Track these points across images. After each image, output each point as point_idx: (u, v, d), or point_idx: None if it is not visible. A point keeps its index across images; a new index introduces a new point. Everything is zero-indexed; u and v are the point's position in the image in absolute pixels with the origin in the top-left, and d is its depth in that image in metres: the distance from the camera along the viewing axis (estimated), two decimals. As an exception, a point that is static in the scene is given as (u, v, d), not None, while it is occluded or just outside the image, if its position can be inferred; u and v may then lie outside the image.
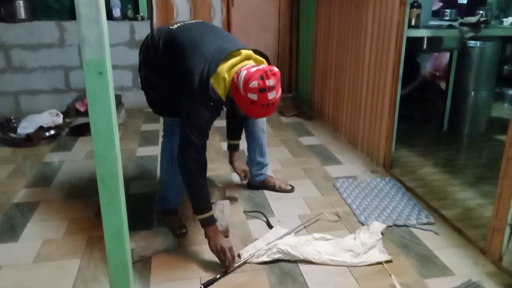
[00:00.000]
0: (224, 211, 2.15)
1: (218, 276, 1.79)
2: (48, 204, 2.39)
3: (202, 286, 1.73)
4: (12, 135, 3.19)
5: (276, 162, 2.94)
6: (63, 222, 2.21)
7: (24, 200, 2.43)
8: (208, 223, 1.87)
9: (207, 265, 1.87)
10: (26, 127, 3.22)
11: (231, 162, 2.39)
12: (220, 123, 3.79)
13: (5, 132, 3.21)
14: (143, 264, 1.88)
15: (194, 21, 2.06)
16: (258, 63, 1.87)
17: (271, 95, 1.70)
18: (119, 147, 1.45)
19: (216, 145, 3.28)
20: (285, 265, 1.87)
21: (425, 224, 2.18)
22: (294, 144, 3.32)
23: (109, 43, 4.51)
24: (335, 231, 2.11)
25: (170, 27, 1.98)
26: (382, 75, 2.79)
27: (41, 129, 3.25)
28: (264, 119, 2.40)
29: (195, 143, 1.81)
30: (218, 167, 2.88)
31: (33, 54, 3.97)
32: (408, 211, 2.28)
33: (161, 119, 2.21)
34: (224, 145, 3.27)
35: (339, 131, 3.51)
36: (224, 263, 1.82)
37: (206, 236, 1.89)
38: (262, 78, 1.67)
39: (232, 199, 2.42)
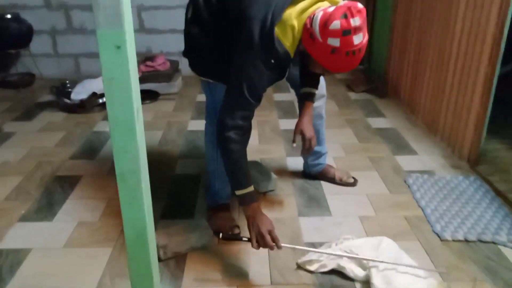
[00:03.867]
0: (263, 170, 2.05)
1: (244, 238, 1.56)
2: (90, 179, 2.26)
3: (221, 235, 1.58)
4: (66, 100, 3.11)
5: (338, 147, 2.59)
6: (101, 201, 2.06)
7: (67, 173, 2.32)
8: (248, 200, 1.56)
9: (250, 268, 1.63)
10: (79, 93, 3.12)
11: (299, 116, 1.85)
12: (279, 96, 3.50)
13: (60, 97, 3.15)
14: (176, 262, 1.67)
15: None
16: (334, 4, 1.49)
17: (357, 39, 1.35)
18: (143, 137, 1.21)
19: (273, 122, 2.98)
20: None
21: (519, 242, 1.76)
22: (361, 126, 2.93)
23: (167, 5, 4.21)
24: (402, 241, 1.74)
25: None
26: (477, 50, 2.29)
27: (94, 95, 3.14)
28: (323, 103, 2.04)
29: (243, 106, 1.51)
30: (272, 148, 2.59)
31: (93, 16, 3.84)
32: (497, 223, 1.86)
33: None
34: (282, 123, 2.97)
35: (416, 113, 3.05)
36: (262, 247, 1.53)
37: (245, 215, 1.58)
38: (345, 16, 1.32)
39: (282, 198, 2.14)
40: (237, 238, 1.63)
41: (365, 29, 1.37)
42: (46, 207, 2.02)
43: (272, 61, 1.44)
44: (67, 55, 3.95)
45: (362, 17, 1.35)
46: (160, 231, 1.77)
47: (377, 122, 2.98)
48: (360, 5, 1.36)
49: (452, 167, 2.37)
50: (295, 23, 1.42)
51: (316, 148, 2.09)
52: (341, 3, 1.39)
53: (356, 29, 1.33)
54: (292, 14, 1.42)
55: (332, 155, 2.46)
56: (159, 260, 1.65)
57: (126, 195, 1.23)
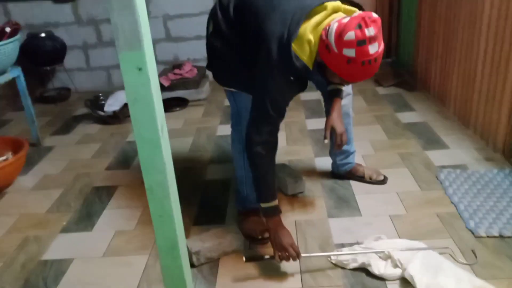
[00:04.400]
0: (292, 172, 2.15)
1: (266, 256, 1.64)
2: (125, 188, 2.36)
3: (244, 259, 1.63)
4: (100, 112, 3.24)
5: (367, 145, 2.57)
6: (136, 210, 2.14)
7: (104, 184, 2.43)
8: (271, 213, 1.66)
9: (281, 271, 1.66)
10: (112, 105, 3.24)
11: (327, 113, 1.91)
12: (306, 95, 3.50)
13: (94, 109, 3.27)
14: (209, 267, 1.72)
15: None
16: (349, 14, 1.51)
17: (372, 48, 1.37)
18: (169, 152, 1.26)
19: (300, 122, 2.99)
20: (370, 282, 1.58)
21: (559, 236, 1.70)
22: (390, 121, 2.89)
23: (191, 13, 4.29)
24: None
25: None
26: (507, 37, 2.21)
27: (126, 106, 3.25)
28: (350, 101, 2.04)
29: (268, 121, 1.57)
30: (300, 150, 2.61)
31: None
32: (535, 217, 1.81)
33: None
34: (310, 123, 2.98)
35: (446, 105, 2.98)
36: (284, 260, 1.61)
37: (267, 227, 1.67)
38: (360, 27, 1.34)
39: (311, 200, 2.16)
40: (261, 258, 1.66)
41: (380, 38, 1.38)
42: (85, 218, 2.12)
43: (292, 78, 1.48)
44: (99, 68, 4.10)
45: (377, 27, 1.36)
46: (193, 237, 1.83)
47: (406, 117, 2.93)
48: (374, 15, 1.37)
49: (486, 160, 2.31)
50: (311, 37, 1.45)
51: (345, 147, 2.09)
52: (356, 13, 1.39)
53: (371, 39, 1.35)
54: (307, 29, 1.45)
55: (361, 153, 2.44)
56: (193, 266, 1.71)
57: (156, 208, 1.28)
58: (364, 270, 1.62)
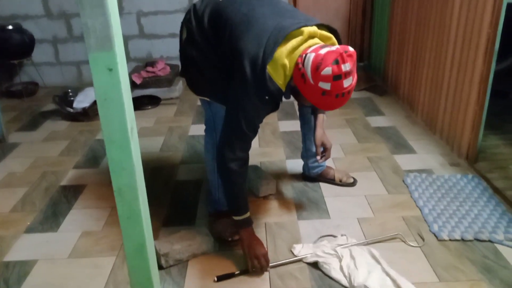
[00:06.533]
0: (262, 174, 2.18)
1: (236, 272, 1.65)
2: (93, 188, 2.31)
3: (216, 279, 1.63)
4: (69, 109, 3.16)
5: (337, 148, 2.61)
6: (104, 210, 2.11)
7: (71, 183, 2.37)
8: (245, 225, 1.71)
9: (249, 272, 1.66)
10: (82, 101, 3.17)
11: (315, 129, 1.99)
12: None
13: (62, 106, 3.19)
14: (178, 269, 1.71)
15: None
16: (324, 40, 1.54)
17: (347, 82, 1.40)
18: (138, 153, 1.25)
19: (272, 124, 3.00)
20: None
21: (516, 240, 1.78)
22: (360, 125, 2.94)
23: (166, 10, 4.25)
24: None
25: None
26: (473, 48, 2.30)
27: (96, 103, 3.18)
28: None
29: (241, 139, 1.59)
30: (272, 151, 2.62)
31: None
32: (494, 221, 1.88)
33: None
34: (282, 125, 2.99)
35: (415, 110, 3.06)
36: (256, 270, 1.65)
37: (240, 237, 1.71)
38: (337, 62, 1.36)
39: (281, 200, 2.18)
40: (232, 275, 1.66)
41: (354, 72, 1.42)
42: (51, 218, 2.07)
43: (267, 97, 1.49)
44: (69, 63, 4.00)
45: (353, 61, 1.39)
46: (162, 239, 1.81)
47: (376, 121, 2.99)
48: (351, 49, 1.39)
49: (450, 165, 2.38)
50: (287, 62, 1.46)
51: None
52: (334, 47, 1.41)
53: (347, 74, 1.38)
54: (283, 53, 1.45)
55: (331, 156, 2.47)
56: (161, 268, 1.69)
57: (124, 210, 1.27)
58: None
